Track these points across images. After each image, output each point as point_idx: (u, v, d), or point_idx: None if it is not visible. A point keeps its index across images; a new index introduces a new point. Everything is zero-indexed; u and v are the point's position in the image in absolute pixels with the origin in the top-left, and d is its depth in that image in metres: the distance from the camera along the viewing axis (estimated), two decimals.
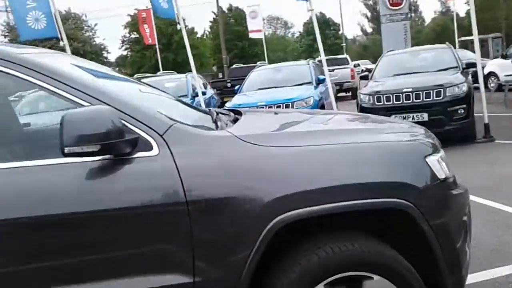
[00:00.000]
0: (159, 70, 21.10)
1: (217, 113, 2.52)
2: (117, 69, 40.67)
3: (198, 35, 42.63)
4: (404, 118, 6.81)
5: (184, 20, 38.91)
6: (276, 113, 2.64)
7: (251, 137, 1.88)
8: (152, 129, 1.76)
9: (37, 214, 1.64)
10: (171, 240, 1.73)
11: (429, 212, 1.91)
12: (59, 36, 8.55)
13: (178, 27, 8.84)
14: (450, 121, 6.71)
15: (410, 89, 6.86)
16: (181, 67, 37.77)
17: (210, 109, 2.69)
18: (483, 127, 7.07)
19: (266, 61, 21.21)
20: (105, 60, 36.66)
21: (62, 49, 7.90)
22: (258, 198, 1.75)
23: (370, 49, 52.40)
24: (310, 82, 8.54)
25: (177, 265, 1.73)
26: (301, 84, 8.53)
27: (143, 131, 1.75)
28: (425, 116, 6.75)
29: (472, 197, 4.52)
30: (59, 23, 8.48)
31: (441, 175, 2.01)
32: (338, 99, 14.18)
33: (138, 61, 37.36)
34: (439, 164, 2.03)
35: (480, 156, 6.24)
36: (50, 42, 22.64)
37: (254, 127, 2.22)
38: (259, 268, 1.84)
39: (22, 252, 1.65)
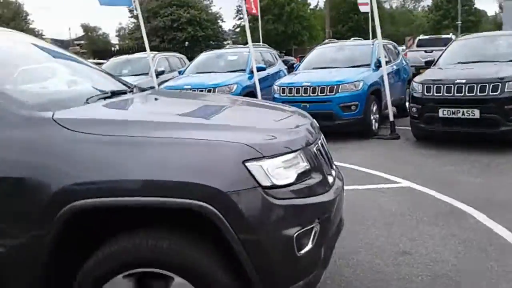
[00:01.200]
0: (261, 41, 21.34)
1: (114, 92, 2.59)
2: (233, 38, 41.93)
3: (311, 6, 41.92)
4: (453, 113, 6.15)
5: None
6: (156, 99, 2.61)
7: (69, 121, 1.92)
8: None
9: None
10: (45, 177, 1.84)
11: (237, 218, 1.81)
12: (132, 5, 9.16)
13: None
14: (507, 121, 5.86)
15: (464, 81, 6.05)
16: (291, 38, 37.71)
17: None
18: None
19: (370, 37, 20.18)
20: (220, 29, 37.92)
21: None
22: (52, 183, 1.81)
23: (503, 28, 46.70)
24: (369, 64, 8.04)
25: None
26: (359, 66, 8.07)
27: None
28: (476, 113, 5.95)
29: (475, 213, 4.05)
30: None
31: (264, 182, 1.87)
32: None
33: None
34: (264, 170, 1.88)
35: None
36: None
37: (99, 110, 2.23)
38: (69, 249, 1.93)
39: None
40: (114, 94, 2.57)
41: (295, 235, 1.92)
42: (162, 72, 10.33)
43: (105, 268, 1.87)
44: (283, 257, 1.91)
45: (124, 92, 2.73)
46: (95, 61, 13.72)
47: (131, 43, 37.30)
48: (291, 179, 1.97)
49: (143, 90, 3.15)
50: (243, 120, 2.31)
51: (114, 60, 11.91)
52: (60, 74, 2.84)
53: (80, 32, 54.39)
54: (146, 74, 9.86)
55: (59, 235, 1.83)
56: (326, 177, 2.21)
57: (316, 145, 2.29)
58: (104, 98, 2.44)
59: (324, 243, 2.12)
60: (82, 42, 51.10)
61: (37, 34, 36.60)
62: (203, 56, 10.37)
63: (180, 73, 9.88)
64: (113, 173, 1.81)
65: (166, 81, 9.43)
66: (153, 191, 1.80)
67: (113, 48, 39.91)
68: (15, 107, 1.95)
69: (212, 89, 8.17)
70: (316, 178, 2.12)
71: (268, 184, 1.88)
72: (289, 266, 1.94)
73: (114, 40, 54.49)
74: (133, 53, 15.61)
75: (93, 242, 1.95)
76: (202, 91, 8.17)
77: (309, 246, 2.00)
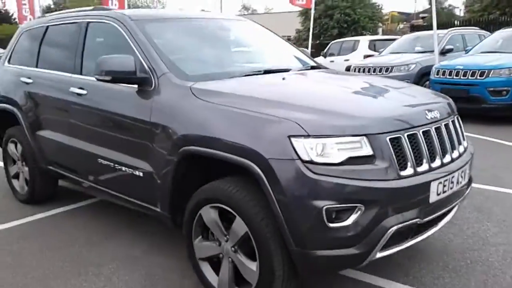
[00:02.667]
0: None
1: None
2: None
3: None
4: None
5: None
6: (284, 78, 3.00)
7: (198, 90, 2.69)
8: (156, 73, 2.89)
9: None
10: (145, 139, 2.88)
11: (274, 180, 2.19)
12: None
13: None
14: None
15: None
16: None
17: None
18: None
19: None
20: None
21: None
22: (177, 131, 2.66)
23: None
24: None
25: (148, 156, 2.90)
26: None
27: (151, 74, 2.90)
28: None
29: None
30: None
31: (304, 156, 2.16)
32: None
33: None
34: (304, 146, 2.16)
35: None
36: None
37: (224, 84, 2.84)
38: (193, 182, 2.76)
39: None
40: (267, 72, 3.20)
41: (324, 207, 2.13)
42: (450, 50, 9.86)
43: (201, 197, 2.60)
44: (311, 223, 2.16)
45: (284, 70, 3.31)
46: None
47: (468, 16, 34.88)
48: (338, 159, 2.17)
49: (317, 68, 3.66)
50: (322, 102, 2.54)
51: (406, 37, 11.97)
52: (256, 54, 3.68)
53: (427, 5, 53.98)
54: (433, 51, 9.64)
55: (179, 166, 2.67)
56: (398, 166, 2.26)
57: (415, 132, 2.38)
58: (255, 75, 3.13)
59: (371, 227, 2.20)
60: (426, 15, 50.82)
61: (378, 8, 38.44)
62: (497, 34, 9.24)
63: (466, 51, 9.21)
64: (206, 131, 2.50)
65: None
66: (224, 148, 2.39)
67: (456, 22, 38.08)
68: (176, 77, 2.85)
69: (486, 71, 7.42)
70: (380, 165, 2.21)
71: (307, 159, 2.16)
72: (317, 232, 2.17)
73: (458, 12, 51.73)
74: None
75: (201, 178, 2.71)
76: (474, 73, 7.55)
77: (346, 223, 2.16)
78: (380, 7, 38.63)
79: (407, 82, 9.48)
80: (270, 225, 2.30)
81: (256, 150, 2.25)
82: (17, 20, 25.42)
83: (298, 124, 2.21)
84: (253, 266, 2.40)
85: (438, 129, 2.54)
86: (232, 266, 2.53)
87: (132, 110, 2.99)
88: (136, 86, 2.97)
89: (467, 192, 2.77)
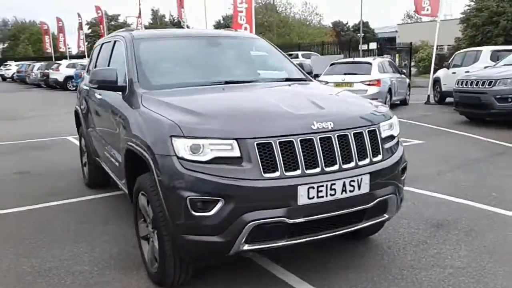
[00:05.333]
0: None
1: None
2: None
3: None
4: None
5: None
6: (223, 89, 3.29)
7: (144, 98, 3.22)
8: (129, 83, 3.50)
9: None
10: (117, 134, 3.51)
11: (158, 170, 2.62)
12: None
13: None
14: None
15: None
16: None
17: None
18: None
19: None
20: None
21: None
22: (126, 130, 3.24)
23: None
24: None
25: (119, 148, 3.52)
26: None
27: (128, 83, 3.52)
28: None
29: None
30: None
31: (179, 153, 2.53)
32: None
33: None
34: (180, 145, 2.52)
35: None
36: None
37: (165, 94, 3.24)
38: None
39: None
40: (228, 82, 3.56)
41: (188, 197, 2.47)
42: None
43: (136, 186, 3.08)
44: (179, 210, 2.52)
45: (247, 82, 3.65)
46: None
47: None
48: (206, 158, 2.49)
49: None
50: (213, 108, 2.88)
51: None
52: (232, 68, 4.09)
53: None
54: None
55: (127, 158, 3.23)
56: (263, 168, 2.48)
57: (291, 139, 2.55)
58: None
59: (231, 219, 2.45)
60: None
61: None
62: None
63: None
64: (135, 130, 3.02)
65: None
66: (139, 144, 2.88)
67: None
68: (141, 85, 3.41)
69: None
70: (245, 166, 2.48)
71: (181, 155, 2.53)
72: (185, 219, 2.51)
73: None
74: None
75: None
76: None
77: (208, 213, 2.47)
78: None
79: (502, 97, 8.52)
80: (162, 211, 2.71)
81: (150, 146, 2.71)
82: None
83: (178, 126, 2.59)
84: (157, 245, 2.83)
85: (326, 139, 2.63)
86: (153, 244, 2.99)
87: (116, 111, 3.67)
88: (119, 93, 3.63)
89: (374, 203, 2.75)
